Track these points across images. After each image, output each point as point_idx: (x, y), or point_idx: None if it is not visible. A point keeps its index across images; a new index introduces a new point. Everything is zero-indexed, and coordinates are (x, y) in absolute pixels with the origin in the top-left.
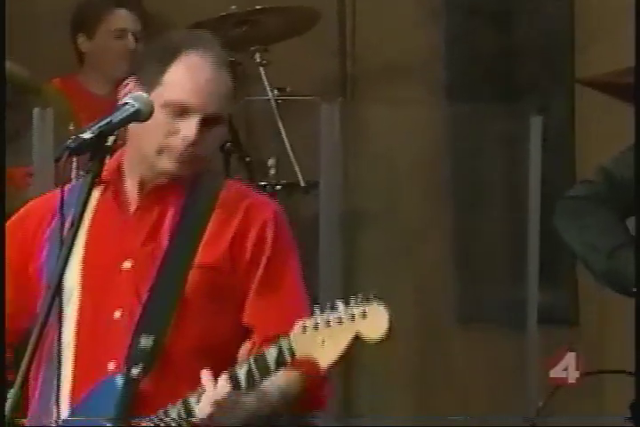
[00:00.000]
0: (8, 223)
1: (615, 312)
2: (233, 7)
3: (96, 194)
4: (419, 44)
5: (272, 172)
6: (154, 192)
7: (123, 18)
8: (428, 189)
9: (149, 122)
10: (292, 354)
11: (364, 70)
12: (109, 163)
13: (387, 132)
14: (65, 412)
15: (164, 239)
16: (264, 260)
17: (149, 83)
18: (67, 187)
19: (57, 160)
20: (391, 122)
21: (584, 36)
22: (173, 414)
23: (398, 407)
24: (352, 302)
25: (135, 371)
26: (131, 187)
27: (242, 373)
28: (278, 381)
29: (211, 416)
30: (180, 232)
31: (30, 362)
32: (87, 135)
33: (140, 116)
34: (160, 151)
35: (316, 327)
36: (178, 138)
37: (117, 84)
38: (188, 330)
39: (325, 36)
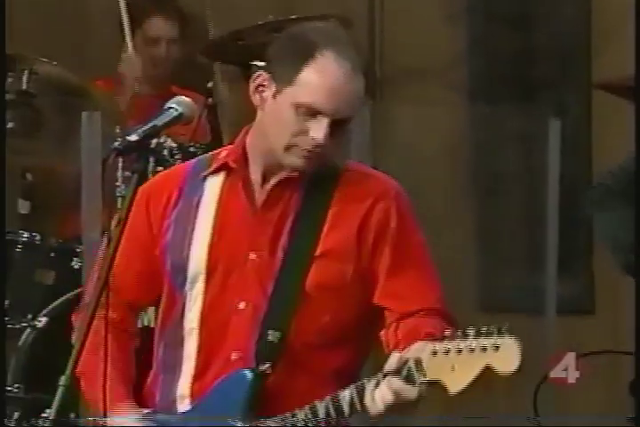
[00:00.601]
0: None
1: (630, 301)
2: (270, 17)
3: (219, 178)
4: (442, 48)
5: None
6: (279, 186)
7: (158, 25)
8: (451, 184)
9: (279, 118)
10: (423, 376)
11: (391, 73)
12: (233, 148)
13: (412, 132)
14: (186, 399)
15: (288, 231)
16: (391, 241)
17: (282, 80)
18: (181, 166)
19: (104, 160)
20: (417, 121)
21: (600, 39)
22: (321, 411)
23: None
24: (484, 332)
25: (264, 366)
26: (254, 175)
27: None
28: None
29: (388, 406)
30: (302, 222)
31: (80, 351)
32: (133, 137)
33: (183, 119)
34: (287, 148)
35: (446, 353)
36: (307, 138)
37: (154, 84)
38: (311, 322)
39: (356, 42)
